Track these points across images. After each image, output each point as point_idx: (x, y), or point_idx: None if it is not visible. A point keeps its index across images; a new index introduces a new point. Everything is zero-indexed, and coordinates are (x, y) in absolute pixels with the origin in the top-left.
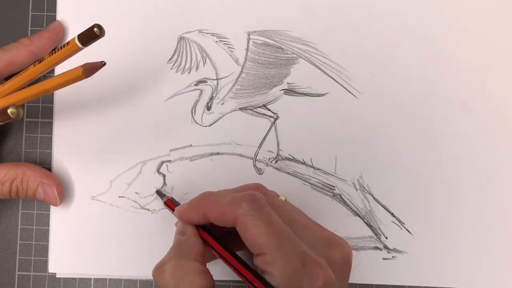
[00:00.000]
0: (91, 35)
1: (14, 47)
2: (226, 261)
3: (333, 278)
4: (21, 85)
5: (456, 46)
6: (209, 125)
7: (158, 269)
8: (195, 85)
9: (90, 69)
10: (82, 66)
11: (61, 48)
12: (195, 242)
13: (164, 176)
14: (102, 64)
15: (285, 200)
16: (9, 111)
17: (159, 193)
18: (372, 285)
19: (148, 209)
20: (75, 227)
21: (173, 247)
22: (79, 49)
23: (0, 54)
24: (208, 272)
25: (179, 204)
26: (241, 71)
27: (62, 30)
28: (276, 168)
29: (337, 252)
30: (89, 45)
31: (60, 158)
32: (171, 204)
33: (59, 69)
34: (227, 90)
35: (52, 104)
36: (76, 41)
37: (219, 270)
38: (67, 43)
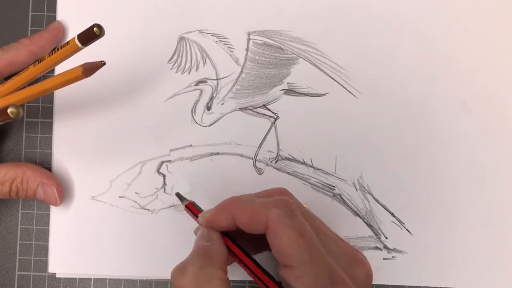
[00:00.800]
0: (91, 35)
1: (14, 47)
2: (251, 271)
3: None
4: (21, 85)
5: (456, 46)
6: (209, 125)
7: (180, 270)
8: (195, 85)
9: (90, 68)
10: (82, 65)
11: (61, 48)
12: (221, 249)
13: (164, 176)
14: (102, 63)
15: (307, 207)
16: (9, 111)
17: (179, 196)
18: (372, 285)
19: (148, 209)
20: (75, 227)
21: (196, 251)
22: (79, 49)
23: (0, 54)
24: (228, 281)
25: (201, 209)
26: (241, 71)
27: (62, 30)
28: (276, 168)
29: (361, 271)
30: (89, 45)
31: (60, 158)
32: (194, 209)
33: (59, 69)
34: (227, 90)
35: (52, 104)
36: (76, 41)
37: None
38: (67, 43)
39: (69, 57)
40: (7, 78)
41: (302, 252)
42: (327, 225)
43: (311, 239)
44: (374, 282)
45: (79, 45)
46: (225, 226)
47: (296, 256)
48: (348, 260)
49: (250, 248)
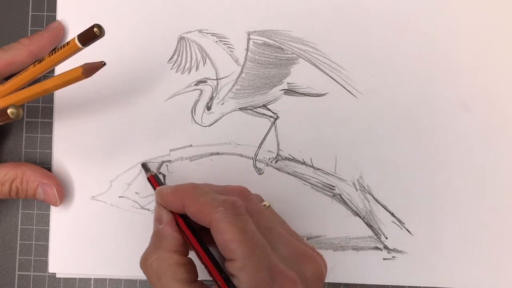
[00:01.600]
0: (91, 35)
1: (14, 47)
2: (199, 256)
3: None
4: (21, 85)
5: (456, 46)
6: (209, 125)
7: (143, 263)
8: (195, 85)
9: (90, 69)
10: (82, 66)
11: (61, 48)
12: (173, 232)
13: (164, 176)
14: (102, 64)
15: (268, 206)
16: (8, 111)
17: (144, 166)
18: (372, 285)
19: (148, 209)
20: (75, 227)
21: (153, 237)
22: (79, 49)
23: (0, 54)
24: (190, 263)
25: (163, 183)
26: (241, 71)
27: (62, 30)
28: (276, 168)
29: (309, 267)
30: (89, 45)
31: (60, 158)
32: (153, 181)
33: (59, 69)
34: (227, 90)
35: (52, 104)
36: (76, 41)
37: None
38: (67, 43)
39: (69, 57)
40: (7, 78)
41: (242, 247)
42: (285, 223)
43: (253, 235)
44: (374, 282)
45: (79, 45)
46: (176, 210)
47: (237, 250)
48: (296, 257)
49: (209, 237)
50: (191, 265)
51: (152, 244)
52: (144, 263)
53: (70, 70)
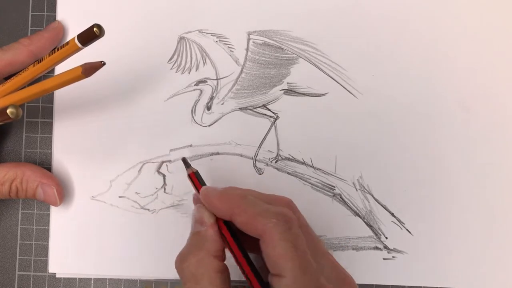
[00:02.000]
0: (90, 35)
1: (14, 47)
2: (240, 265)
3: None
4: (21, 85)
5: (456, 46)
6: (209, 125)
7: (180, 264)
8: (195, 85)
9: (90, 69)
10: (82, 66)
11: (61, 48)
12: (215, 237)
13: (164, 176)
14: (101, 64)
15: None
16: (8, 111)
17: (184, 161)
18: (372, 285)
19: (148, 209)
20: (75, 227)
21: (192, 238)
22: (78, 49)
23: (0, 54)
24: (226, 270)
25: (204, 182)
26: (241, 71)
27: (62, 30)
28: (276, 168)
29: None
30: (88, 45)
31: (60, 158)
32: (195, 179)
33: (59, 69)
34: (227, 90)
35: (52, 104)
36: (76, 41)
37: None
38: (67, 43)
39: (69, 57)
40: (7, 78)
41: (293, 263)
42: (324, 245)
43: (304, 253)
44: (374, 282)
45: (79, 45)
46: (222, 216)
47: (287, 267)
48: (338, 281)
49: (248, 242)
50: (227, 272)
51: (192, 245)
52: (181, 264)
53: (70, 70)
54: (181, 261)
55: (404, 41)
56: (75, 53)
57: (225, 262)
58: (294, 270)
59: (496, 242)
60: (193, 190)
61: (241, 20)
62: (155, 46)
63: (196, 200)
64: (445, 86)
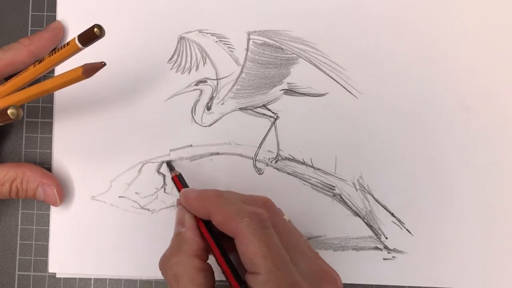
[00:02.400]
0: (91, 36)
1: (14, 47)
2: (219, 263)
3: None
4: (21, 85)
5: (456, 46)
6: (209, 125)
7: (162, 265)
8: (195, 85)
9: (90, 69)
10: (82, 66)
11: (61, 49)
12: (194, 237)
13: (164, 176)
14: (102, 64)
15: (288, 221)
16: (9, 111)
17: (169, 165)
18: (372, 285)
19: (148, 209)
20: (75, 227)
21: (174, 239)
22: (79, 50)
23: (0, 54)
24: (208, 268)
25: (187, 184)
26: (241, 71)
27: (62, 30)
28: (276, 168)
29: (329, 287)
30: (89, 45)
31: (60, 158)
32: (178, 182)
33: (59, 70)
34: (227, 90)
35: (52, 104)
36: (76, 41)
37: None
38: (67, 43)
39: (69, 58)
40: (7, 78)
41: (266, 261)
42: (305, 239)
43: (277, 251)
44: (374, 282)
45: (79, 45)
46: (201, 216)
47: (260, 264)
48: (316, 276)
49: (228, 242)
50: (209, 271)
51: (173, 247)
52: (164, 265)
53: (70, 70)
54: (163, 262)
55: (404, 41)
56: (75, 54)
57: (209, 262)
58: (267, 267)
59: (496, 242)
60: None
61: (241, 20)
62: (155, 46)
63: (179, 203)
64: (445, 86)
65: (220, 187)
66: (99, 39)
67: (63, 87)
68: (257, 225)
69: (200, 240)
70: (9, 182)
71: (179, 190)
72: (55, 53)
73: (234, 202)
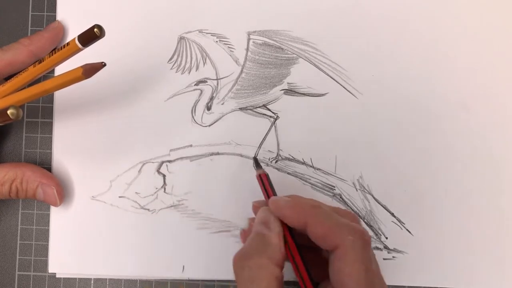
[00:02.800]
0: (91, 36)
1: (14, 47)
2: (298, 272)
3: None
4: (21, 86)
5: (456, 46)
6: (209, 125)
7: (240, 263)
8: (195, 85)
9: (90, 69)
10: (82, 66)
11: (61, 49)
12: (280, 246)
13: (164, 176)
14: (102, 65)
15: None
16: (9, 112)
17: (256, 161)
18: None
19: (148, 209)
20: (75, 227)
21: (255, 238)
22: (79, 50)
23: (0, 54)
24: (282, 278)
25: (272, 185)
26: (241, 71)
27: (62, 30)
28: (276, 168)
29: None
30: (89, 45)
31: (60, 158)
32: (266, 182)
33: (59, 70)
34: (227, 90)
35: (52, 104)
36: (76, 41)
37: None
38: (67, 43)
39: (69, 58)
40: (7, 78)
41: (359, 286)
42: None
43: (373, 278)
44: None
45: (80, 46)
46: (292, 224)
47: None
48: None
49: (304, 249)
50: (282, 282)
51: (254, 247)
52: (241, 263)
53: (71, 70)
54: (241, 259)
55: (404, 41)
56: (75, 54)
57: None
58: None
59: (496, 242)
60: (193, 191)
61: (241, 20)
62: (155, 46)
63: (261, 203)
64: (445, 86)
65: (220, 187)
66: (99, 39)
67: (63, 87)
68: (361, 246)
69: (284, 250)
70: (9, 182)
71: (266, 191)
72: (55, 53)
73: (331, 214)
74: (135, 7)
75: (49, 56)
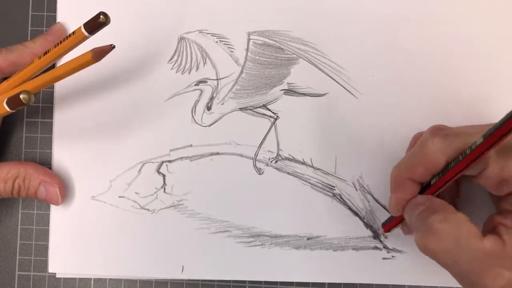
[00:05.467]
0: (97, 23)
1: (19, 48)
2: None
3: None
4: (28, 77)
5: (456, 46)
6: (209, 125)
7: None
8: (195, 85)
9: (100, 52)
10: (92, 50)
11: (67, 38)
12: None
13: (164, 176)
14: (111, 47)
15: None
16: (21, 96)
17: None
18: (372, 285)
19: (148, 209)
20: (75, 227)
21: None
22: (85, 38)
23: (5, 54)
24: None
25: None
26: (241, 71)
27: (64, 33)
28: (276, 168)
29: None
30: (95, 33)
31: (60, 158)
32: None
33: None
34: (227, 90)
35: (52, 104)
36: (82, 29)
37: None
38: (73, 32)
39: (75, 47)
40: (5, 78)
41: None
42: None
43: None
44: (374, 282)
45: (86, 33)
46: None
47: None
48: None
49: None
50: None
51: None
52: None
53: (80, 55)
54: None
55: (404, 41)
56: (81, 42)
57: None
58: None
59: None
60: (193, 191)
61: (241, 20)
62: (155, 46)
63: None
64: (445, 86)
65: (220, 187)
66: (104, 26)
67: (73, 72)
68: None
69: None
70: (12, 180)
71: None
72: (61, 43)
73: None
74: (135, 7)
75: (55, 47)
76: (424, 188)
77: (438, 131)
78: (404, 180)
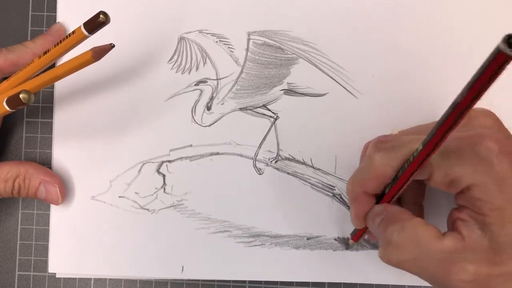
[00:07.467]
0: (96, 23)
1: (19, 48)
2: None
3: None
4: (28, 77)
5: (456, 46)
6: (209, 125)
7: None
8: (195, 85)
9: (99, 52)
10: (91, 49)
11: (67, 38)
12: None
13: (164, 176)
14: (110, 46)
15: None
16: (21, 96)
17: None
18: (372, 284)
19: (148, 209)
20: (75, 227)
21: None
22: (85, 37)
23: (5, 53)
24: None
25: None
26: (241, 71)
27: (64, 33)
28: (276, 168)
29: None
30: (94, 32)
31: (60, 158)
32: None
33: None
34: (227, 90)
35: (52, 104)
36: (82, 29)
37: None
38: (73, 32)
39: (75, 47)
40: (5, 78)
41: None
42: None
43: None
44: (374, 282)
45: (86, 33)
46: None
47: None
48: None
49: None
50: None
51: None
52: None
53: (80, 54)
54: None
55: (404, 40)
56: (81, 42)
57: None
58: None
59: None
60: (192, 191)
61: (241, 20)
62: (155, 46)
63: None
64: (445, 86)
65: (220, 187)
66: (104, 25)
67: (73, 71)
68: None
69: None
70: (12, 179)
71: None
72: (61, 42)
73: None
74: (135, 7)
75: (55, 46)
76: (381, 196)
77: (380, 144)
78: (358, 194)
